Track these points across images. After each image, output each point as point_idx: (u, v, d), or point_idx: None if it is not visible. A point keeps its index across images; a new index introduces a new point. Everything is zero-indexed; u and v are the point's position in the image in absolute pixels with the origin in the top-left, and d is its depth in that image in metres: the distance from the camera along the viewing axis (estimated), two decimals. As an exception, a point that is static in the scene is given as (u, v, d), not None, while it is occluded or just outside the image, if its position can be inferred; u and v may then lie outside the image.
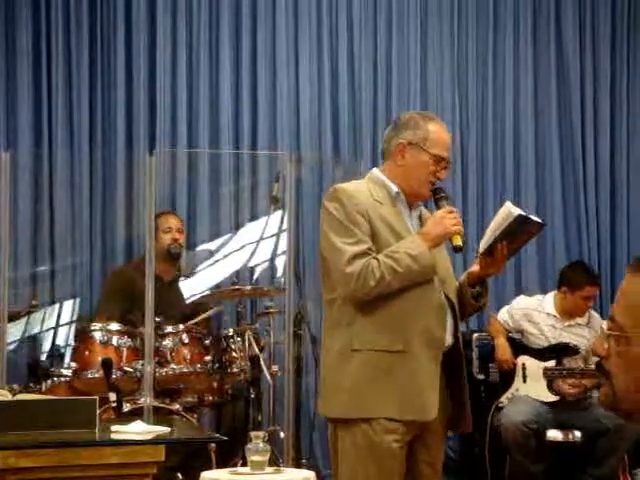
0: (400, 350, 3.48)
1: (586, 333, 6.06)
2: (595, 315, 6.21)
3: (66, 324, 6.03)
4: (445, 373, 3.58)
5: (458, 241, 3.53)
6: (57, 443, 2.95)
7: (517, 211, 3.52)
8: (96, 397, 3.33)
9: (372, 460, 3.46)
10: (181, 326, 5.57)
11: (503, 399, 6.04)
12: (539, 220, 3.64)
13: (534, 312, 6.11)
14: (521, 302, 6.24)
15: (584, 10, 7.27)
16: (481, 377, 6.34)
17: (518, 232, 3.55)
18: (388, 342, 3.49)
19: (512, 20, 7.18)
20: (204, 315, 5.73)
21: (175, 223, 6.08)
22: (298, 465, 5.48)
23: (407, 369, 3.48)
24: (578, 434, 5.92)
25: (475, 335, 6.52)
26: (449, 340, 3.59)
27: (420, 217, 3.71)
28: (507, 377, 6.11)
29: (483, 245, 3.58)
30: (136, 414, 4.75)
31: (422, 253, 3.48)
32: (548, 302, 6.12)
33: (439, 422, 3.57)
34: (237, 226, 6.54)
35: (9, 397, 3.24)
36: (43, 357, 5.81)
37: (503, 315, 6.21)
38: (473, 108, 7.11)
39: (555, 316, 6.07)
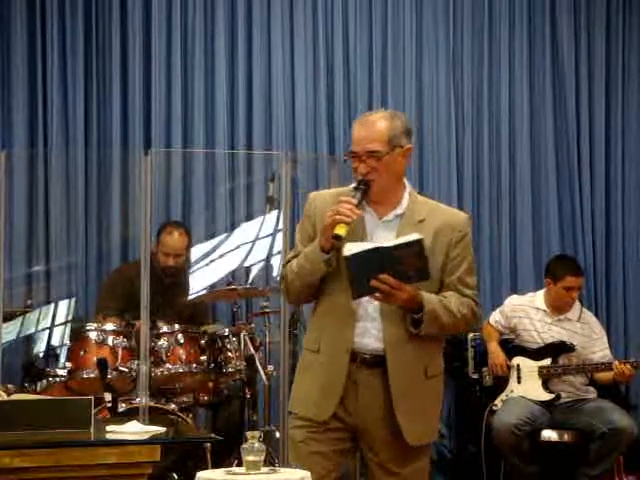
0: (316, 350, 3.61)
1: (577, 328, 6.06)
2: (587, 312, 6.22)
3: (61, 324, 6.02)
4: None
5: (337, 230, 3.43)
6: (52, 443, 2.95)
7: (350, 252, 3.39)
8: (91, 397, 3.33)
9: (292, 451, 3.65)
10: (177, 326, 5.57)
11: (497, 402, 6.04)
12: (404, 241, 3.42)
13: (526, 308, 6.12)
14: (513, 300, 6.26)
15: (579, 7, 7.28)
16: (476, 377, 6.35)
17: (383, 262, 3.39)
18: (310, 341, 3.66)
19: (507, 17, 7.16)
20: (209, 328, 5.73)
21: (177, 246, 6.00)
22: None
23: (318, 369, 3.60)
24: (573, 435, 5.93)
25: (470, 335, 6.51)
26: (373, 345, 3.55)
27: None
28: (501, 379, 6.11)
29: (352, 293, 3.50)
30: (131, 414, 4.75)
31: (311, 251, 3.53)
32: (539, 298, 6.14)
33: (380, 429, 3.55)
34: (232, 226, 6.54)
35: (4, 397, 3.23)
36: (38, 357, 5.81)
37: (495, 316, 6.22)
38: (468, 106, 7.10)
39: (545, 311, 6.08)
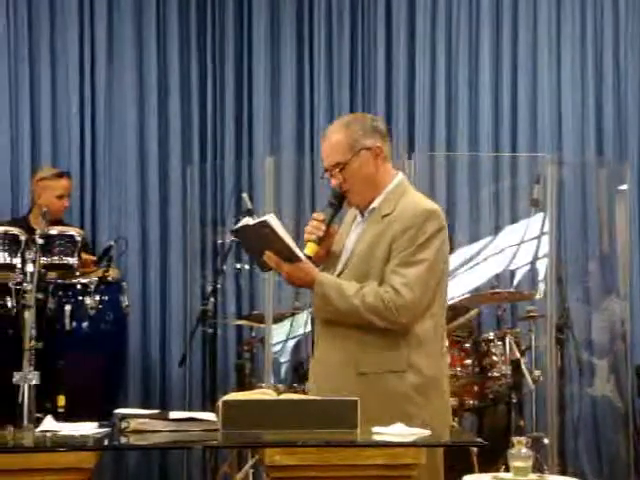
0: None
1: None
2: None
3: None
4: None
5: (306, 249, 3.54)
6: (319, 443, 2.99)
7: (234, 226, 3.63)
8: (357, 399, 3.35)
9: None
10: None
11: None
12: (258, 220, 3.49)
13: None
14: None
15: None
16: None
17: (250, 241, 3.57)
18: None
19: None
20: (463, 319, 5.70)
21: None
22: (563, 472, 5.38)
23: None
24: None
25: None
26: None
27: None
28: None
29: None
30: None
31: None
32: None
33: None
34: (497, 229, 6.48)
35: (274, 397, 3.32)
36: (306, 358, 5.93)
37: None
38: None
39: None
